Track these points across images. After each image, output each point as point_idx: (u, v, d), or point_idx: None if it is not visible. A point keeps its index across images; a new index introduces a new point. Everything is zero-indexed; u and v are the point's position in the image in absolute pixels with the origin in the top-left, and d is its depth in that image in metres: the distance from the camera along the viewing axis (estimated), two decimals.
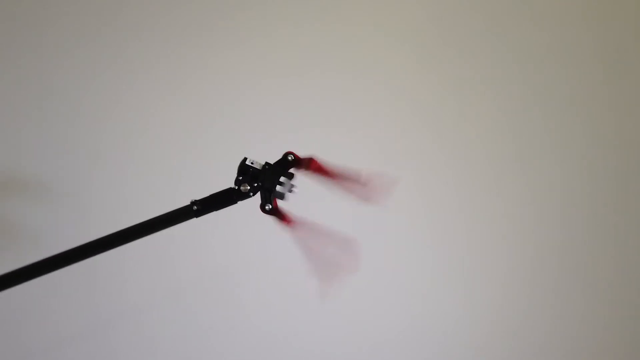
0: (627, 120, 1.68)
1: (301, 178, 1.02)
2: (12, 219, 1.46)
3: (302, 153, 1.01)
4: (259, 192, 0.98)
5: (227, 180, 1.35)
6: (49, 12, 1.41)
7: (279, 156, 1.05)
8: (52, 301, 1.50)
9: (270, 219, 1.00)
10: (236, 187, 0.96)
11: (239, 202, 0.99)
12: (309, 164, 0.95)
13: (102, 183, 1.48)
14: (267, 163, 0.98)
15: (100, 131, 1.46)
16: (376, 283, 1.65)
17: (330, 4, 1.53)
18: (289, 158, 0.97)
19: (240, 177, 0.96)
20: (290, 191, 0.99)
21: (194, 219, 1.00)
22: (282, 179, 0.99)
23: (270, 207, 0.97)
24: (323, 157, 1.01)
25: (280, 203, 1.00)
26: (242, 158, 1.42)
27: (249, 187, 0.96)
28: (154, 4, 1.45)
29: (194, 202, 0.96)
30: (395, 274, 1.65)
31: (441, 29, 1.59)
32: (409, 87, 1.59)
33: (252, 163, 0.97)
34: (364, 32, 1.56)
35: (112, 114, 1.47)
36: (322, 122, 1.56)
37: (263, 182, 0.97)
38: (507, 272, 1.68)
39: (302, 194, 1.00)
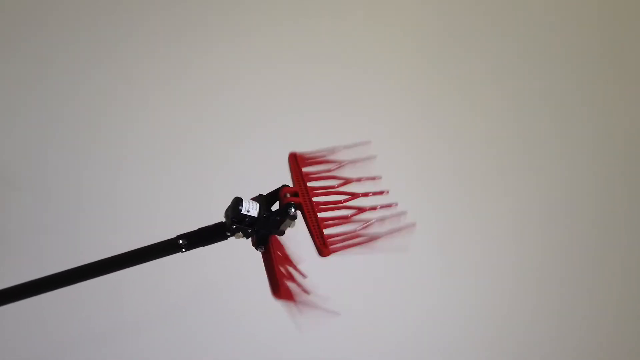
0: (635, 119, 1.68)
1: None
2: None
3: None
4: None
5: (223, 181, 1.31)
6: (44, 9, 1.39)
7: (279, 157, 1.00)
8: (45, 312, 1.48)
9: None
10: (229, 234, 0.88)
11: None
12: (322, 252, 0.83)
13: (95, 182, 1.46)
14: (264, 210, 0.88)
15: (94, 130, 1.45)
16: (381, 284, 1.65)
17: (334, 1, 1.50)
18: (290, 212, 0.87)
19: (235, 226, 0.87)
20: (288, 227, 0.90)
21: None
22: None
23: (264, 249, 0.89)
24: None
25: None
26: (240, 152, 1.43)
27: (242, 235, 0.88)
28: (150, 3, 1.42)
29: (180, 238, 0.88)
30: (401, 275, 1.64)
31: (448, 29, 1.57)
32: (416, 87, 1.58)
33: (248, 211, 0.86)
34: (368, 30, 1.53)
35: (106, 112, 1.45)
36: (325, 121, 1.54)
37: (259, 229, 0.88)
38: (515, 271, 1.69)
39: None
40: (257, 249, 0.90)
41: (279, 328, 1.58)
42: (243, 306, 1.56)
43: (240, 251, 1.43)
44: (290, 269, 0.88)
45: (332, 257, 1.45)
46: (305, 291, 0.87)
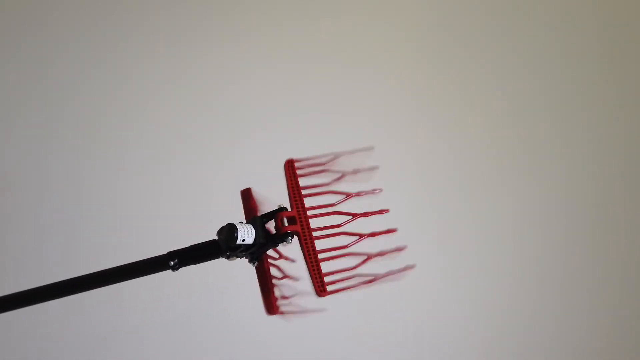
0: (633, 120, 1.68)
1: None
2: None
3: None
4: None
5: (223, 181, 1.28)
6: (44, 10, 1.38)
7: (279, 157, 0.96)
8: (46, 315, 1.47)
9: None
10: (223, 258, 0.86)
11: None
12: (319, 294, 0.82)
13: (96, 182, 1.46)
14: (259, 235, 0.85)
15: (94, 130, 1.44)
16: (380, 284, 1.60)
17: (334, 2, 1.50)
18: (288, 241, 0.84)
19: (229, 253, 0.84)
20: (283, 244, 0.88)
21: None
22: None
23: (257, 264, 0.87)
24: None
25: None
26: (240, 152, 1.41)
27: (237, 258, 0.86)
28: (150, 3, 1.41)
29: (171, 257, 0.85)
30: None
31: (448, 29, 1.57)
32: (415, 87, 1.58)
33: (243, 240, 0.82)
34: (369, 30, 1.53)
35: (106, 113, 1.44)
36: (325, 121, 1.53)
37: (254, 253, 0.85)
38: (515, 271, 1.69)
39: None
40: (250, 262, 0.88)
41: (279, 329, 1.58)
42: (242, 307, 1.54)
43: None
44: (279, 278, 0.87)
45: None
46: (286, 297, 0.86)
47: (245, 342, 1.57)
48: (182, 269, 1.45)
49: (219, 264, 1.45)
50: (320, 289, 0.80)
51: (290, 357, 1.61)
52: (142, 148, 1.46)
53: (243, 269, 1.46)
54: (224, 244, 0.83)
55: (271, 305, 0.83)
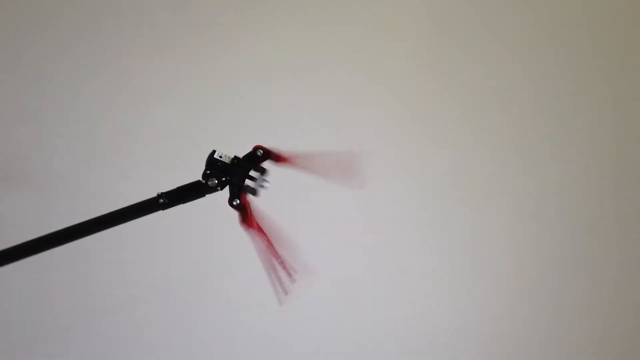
0: (629, 120, 1.67)
1: (283, 172, 0.98)
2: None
3: (272, 146, 0.98)
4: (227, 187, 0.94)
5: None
6: (47, 8, 1.41)
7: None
8: (47, 289, 1.49)
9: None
10: (204, 181, 0.93)
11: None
12: (278, 158, 0.92)
13: (97, 179, 1.47)
14: (236, 157, 0.95)
15: (97, 128, 1.46)
16: (379, 285, 1.63)
17: (332, 3, 1.52)
18: (258, 153, 0.94)
19: (208, 172, 0.93)
20: (261, 186, 0.95)
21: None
22: (254, 173, 0.95)
23: (238, 202, 0.93)
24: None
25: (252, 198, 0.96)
26: (239, 153, 1.44)
27: (216, 182, 0.93)
28: (152, 3, 1.45)
29: (160, 195, 0.94)
30: (396, 275, 1.63)
31: (443, 30, 1.58)
32: (411, 88, 1.58)
33: (220, 157, 0.93)
34: (364, 32, 1.54)
35: (108, 111, 1.46)
36: (321, 123, 1.54)
37: (232, 177, 0.93)
38: (509, 272, 1.67)
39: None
40: (232, 204, 0.94)
41: (277, 328, 1.58)
42: (243, 303, 1.57)
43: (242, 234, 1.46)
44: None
45: (329, 260, 1.47)
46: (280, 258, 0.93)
47: (245, 338, 1.59)
48: (187, 243, 1.48)
49: (224, 239, 1.47)
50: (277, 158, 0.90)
51: (288, 357, 1.61)
52: (142, 148, 1.48)
53: (243, 267, 1.49)
54: (205, 165, 0.93)
55: (247, 218, 0.91)
